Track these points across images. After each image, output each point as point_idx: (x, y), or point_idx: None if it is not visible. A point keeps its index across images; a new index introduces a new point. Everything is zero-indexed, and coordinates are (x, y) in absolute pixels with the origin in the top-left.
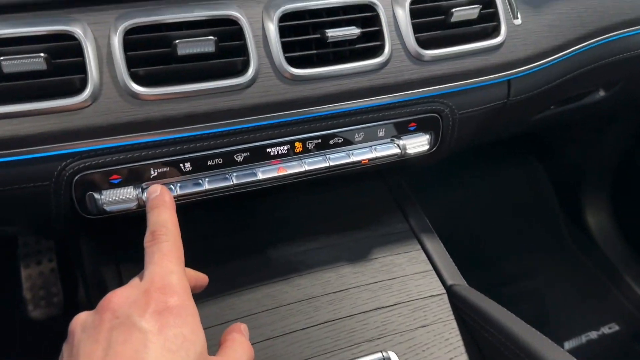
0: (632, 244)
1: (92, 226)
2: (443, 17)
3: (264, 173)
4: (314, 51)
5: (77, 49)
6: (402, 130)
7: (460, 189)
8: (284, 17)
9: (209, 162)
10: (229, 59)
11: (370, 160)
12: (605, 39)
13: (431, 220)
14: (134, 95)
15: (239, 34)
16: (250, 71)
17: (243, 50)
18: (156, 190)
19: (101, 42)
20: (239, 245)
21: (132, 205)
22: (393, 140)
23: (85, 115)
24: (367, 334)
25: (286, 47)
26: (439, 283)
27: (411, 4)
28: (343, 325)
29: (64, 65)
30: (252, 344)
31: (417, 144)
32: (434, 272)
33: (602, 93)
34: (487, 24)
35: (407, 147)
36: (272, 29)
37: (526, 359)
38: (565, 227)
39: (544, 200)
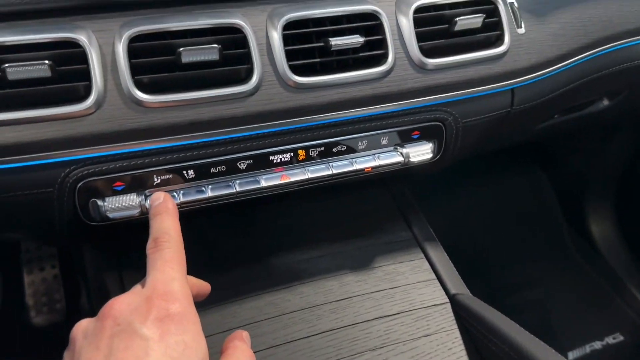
0: (636, 254)
1: (95, 233)
2: (447, 25)
3: (267, 181)
4: (318, 59)
5: (81, 57)
6: (405, 138)
7: (464, 197)
8: (288, 26)
9: (212, 170)
10: (233, 67)
11: (373, 168)
12: (609, 49)
13: (434, 228)
14: (138, 103)
15: (243, 42)
16: (254, 79)
17: (247, 58)
18: (159, 197)
19: (106, 49)
20: (241, 253)
21: (135, 212)
22: (396, 148)
23: (89, 123)
24: (370, 343)
25: (290, 55)
26: (442, 292)
27: (415, 12)
28: (345, 334)
29: (69, 73)
30: (254, 352)
31: (421, 152)
32: (437, 281)
33: (605, 102)
34: (490, 32)
35: (411, 155)
36: (276, 37)
37: None
38: (568, 236)
39: (547, 209)
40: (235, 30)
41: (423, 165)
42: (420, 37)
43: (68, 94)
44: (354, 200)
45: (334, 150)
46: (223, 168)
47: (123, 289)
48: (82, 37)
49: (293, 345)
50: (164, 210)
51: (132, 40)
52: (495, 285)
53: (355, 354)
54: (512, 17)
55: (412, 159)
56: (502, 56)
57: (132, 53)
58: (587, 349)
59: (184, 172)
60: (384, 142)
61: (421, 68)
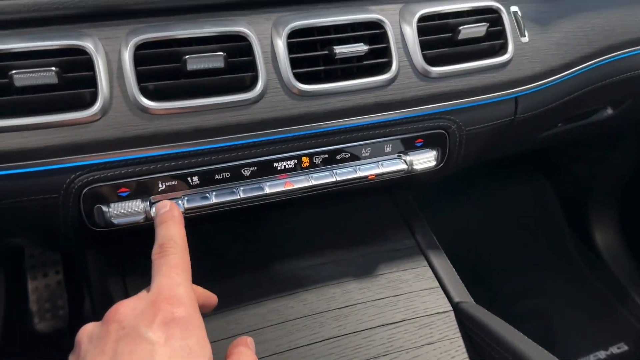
0: None
1: (99, 239)
2: (450, 34)
3: (271, 187)
4: (322, 67)
5: (88, 64)
6: (409, 146)
7: (468, 205)
8: (293, 34)
9: (217, 176)
10: (238, 75)
11: (377, 175)
12: (612, 58)
13: (438, 236)
14: (144, 110)
15: (248, 50)
16: (259, 86)
17: (252, 66)
18: (165, 205)
19: (112, 56)
20: (244, 260)
21: (140, 218)
22: (400, 156)
23: (95, 129)
24: (373, 351)
25: (294, 63)
26: (446, 300)
27: (419, 21)
28: (348, 341)
29: (75, 79)
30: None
31: (424, 160)
32: (440, 288)
33: (609, 111)
34: (494, 41)
35: (414, 163)
36: (281, 45)
37: None
38: (572, 244)
39: (551, 217)
40: (241, 38)
41: (426, 173)
42: (424, 46)
43: (74, 101)
44: (358, 208)
45: (338, 157)
46: (227, 175)
47: (127, 295)
48: (88, 45)
49: (296, 353)
50: (170, 218)
51: (138, 47)
52: (499, 293)
53: None
54: (516, 26)
55: (415, 167)
56: (505, 65)
57: (138, 60)
58: (592, 358)
59: (189, 178)
60: (388, 149)
61: (425, 76)
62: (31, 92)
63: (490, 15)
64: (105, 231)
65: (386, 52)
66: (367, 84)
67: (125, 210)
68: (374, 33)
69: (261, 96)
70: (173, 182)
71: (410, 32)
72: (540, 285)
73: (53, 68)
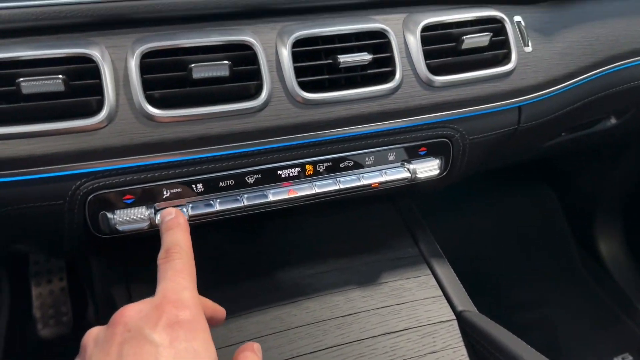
0: None
1: (104, 245)
2: (454, 44)
3: (275, 195)
4: (326, 76)
5: (94, 72)
6: (412, 154)
7: (471, 214)
8: (297, 43)
9: (221, 184)
10: (243, 83)
11: (380, 183)
12: (616, 67)
13: (441, 245)
14: (149, 117)
15: (253, 58)
16: (263, 95)
17: (257, 75)
18: (171, 212)
19: (118, 64)
20: (248, 267)
21: (144, 225)
22: (403, 164)
23: (100, 136)
24: None
25: (299, 72)
26: (449, 309)
27: (422, 31)
28: (351, 349)
29: (82, 87)
30: None
31: (427, 168)
32: (443, 297)
33: (613, 120)
34: (497, 51)
35: (417, 171)
36: (285, 54)
37: None
38: (577, 254)
39: (555, 227)
40: (246, 47)
41: (430, 182)
42: (427, 55)
43: (81, 108)
44: (361, 216)
45: (342, 165)
46: (231, 182)
47: (131, 301)
48: (95, 53)
49: None
50: (176, 225)
51: (145, 56)
52: (503, 302)
53: None
54: (519, 35)
55: (419, 175)
56: (509, 74)
57: (144, 68)
58: None
59: (193, 185)
60: (391, 158)
61: (428, 85)
62: (38, 100)
63: (493, 25)
64: (110, 238)
65: (390, 61)
66: (371, 92)
67: (129, 217)
68: (377, 42)
69: (266, 104)
70: (178, 190)
71: (414, 42)
72: (544, 295)
73: (60, 76)
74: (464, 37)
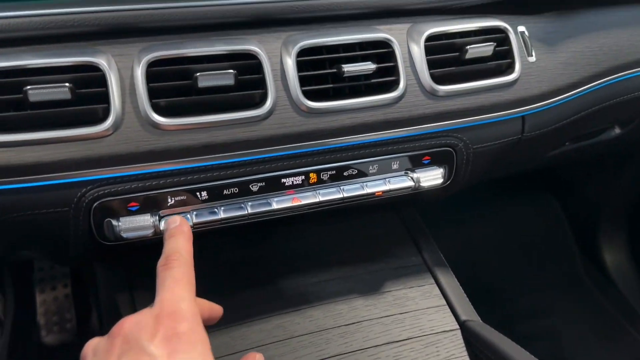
0: None
1: (108, 252)
2: (457, 53)
3: (279, 203)
4: (330, 85)
5: (101, 80)
6: (416, 163)
7: (475, 223)
8: (302, 52)
9: (225, 192)
10: (248, 92)
11: (384, 192)
12: (620, 77)
13: (445, 254)
14: (155, 125)
15: (257, 67)
16: (268, 103)
17: (261, 84)
18: (175, 220)
19: (124, 73)
20: (251, 275)
21: (149, 232)
22: (407, 173)
23: (106, 144)
24: None
25: (303, 81)
26: (453, 318)
27: (426, 40)
28: (354, 359)
29: (88, 95)
30: None
31: (431, 177)
32: (447, 307)
33: (617, 130)
34: (501, 61)
35: (421, 180)
36: (290, 63)
37: None
38: (581, 264)
39: (559, 236)
40: (251, 56)
41: (433, 190)
42: (431, 65)
43: (87, 116)
44: (365, 224)
45: (345, 174)
46: (236, 190)
47: (134, 309)
48: (102, 61)
49: None
50: (179, 232)
51: (151, 64)
52: (507, 312)
53: None
54: (523, 45)
55: (422, 184)
56: (512, 84)
57: (150, 77)
58: None
59: (198, 193)
60: (395, 166)
61: (432, 94)
62: (45, 107)
63: (497, 35)
64: (114, 245)
65: (394, 70)
66: (375, 101)
67: (134, 225)
68: (381, 52)
69: (270, 113)
70: (182, 197)
71: (418, 51)
72: (548, 304)
73: (67, 84)
74: (468, 46)
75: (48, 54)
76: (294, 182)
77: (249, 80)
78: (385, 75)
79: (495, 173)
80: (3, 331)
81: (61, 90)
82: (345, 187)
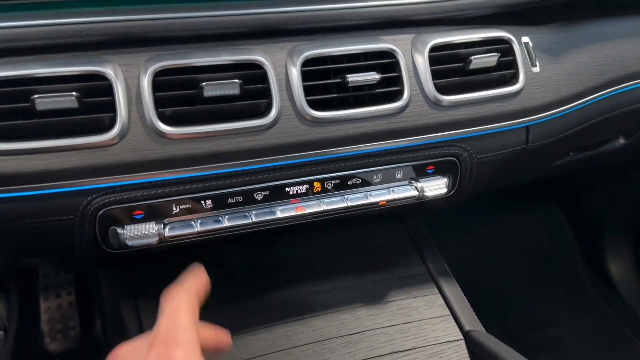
0: None
1: (113, 260)
2: (462, 64)
3: (283, 212)
4: (335, 95)
5: (107, 89)
6: (420, 172)
7: (480, 233)
8: (307, 62)
9: (229, 200)
10: (253, 101)
11: (388, 201)
12: (624, 88)
13: (449, 263)
14: (161, 134)
15: (263, 77)
16: (273, 113)
17: (266, 93)
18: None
19: (131, 82)
20: (255, 283)
21: (154, 240)
22: (411, 182)
23: (112, 152)
24: None
25: (308, 91)
26: (457, 328)
27: (430, 51)
28: None
29: (95, 104)
30: None
31: (435, 186)
32: (451, 317)
33: (621, 141)
34: (505, 71)
35: (425, 189)
36: (295, 73)
37: None
38: (586, 275)
39: (564, 246)
40: (256, 66)
41: (437, 200)
42: (435, 75)
43: (93, 125)
44: (369, 233)
45: (349, 183)
46: (240, 199)
47: (138, 317)
48: (108, 71)
49: None
50: (193, 273)
51: (157, 74)
52: (511, 323)
53: None
54: (527, 56)
55: (426, 194)
56: (516, 94)
57: (156, 86)
58: None
59: (202, 202)
60: (399, 176)
61: (436, 104)
62: (52, 116)
63: (501, 46)
64: (119, 253)
65: (398, 80)
66: (379, 111)
67: (139, 233)
68: (386, 62)
69: (275, 122)
70: (187, 205)
71: (422, 62)
72: (553, 315)
73: (74, 93)
74: (472, 57)
75: (55, 63)
76: (298, 191)
77: (254, 89)
78: (390, 85)
79: (500, 183)
80: (7, 338)
81: (68, 99)
82: (349, 197)
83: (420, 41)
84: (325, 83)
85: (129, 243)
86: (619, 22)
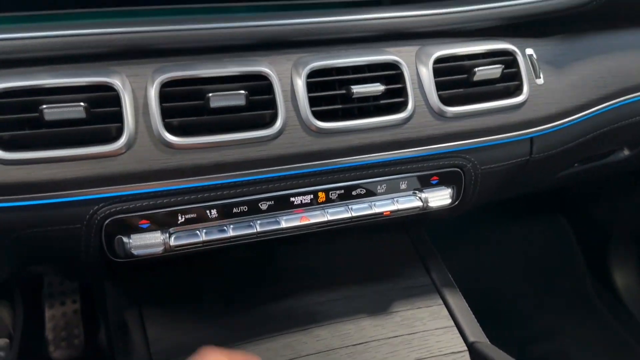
0: None
1: (119, 269)
2: (466, 75)
3: (287, 222)
4: (340, 106)
5: (115, 100)
6: (424, 183)
7: (484, 244)
8: (312, 74)
9: (235, 210)
10: (258, 112)
11: (392, 212)
12: (627, 100)
13: (453, 274)
14: (167, 144)
15: (268, 88)
16: (278, 123)
17: (272, 104)
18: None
19: (138, 93)
20: (259, 293)
21: (159, 249)
22: (415, 193)
23: (119, 162)
24: None
25: (313, 102)
26: (461, 340)
27: (435, 62)
28: None
29: (102, 115)
30: None
31: (439, 197)
32: (455, 328)
33: (626, 152)
34: (509, 83)
35: (429, 200)
36: (300, 84)
37: None
38: (591, 286)
39: (569, 257)
40: (262, 77)
41: (442, 211)
42: (439, 86)
43: (101, 135)
44: (373, 244)
45: (354, 193)
46: (245, 208)
47: (142, 326)
48: (116, 82)
49: None
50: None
51: (164, 85)
52: (515, 334)
53: None
54: (531, 68)
55: (430, 204)
56: (520, 106)
57: (163, 97)
58: None
59: (208, 211)
60: (403, 186)
61: (440, 116)
62: (60, 126)
63: (505, 58)
64: (125, 262)
65: (402, 92)
66: (384, 122)
67: (145, 242)
68: (390, 74)
69: (280, 133)
70: (192, 215)
71: (426, 73)
72: (558, 326)
73: (81, 103)
74: (476, 69)
75: (64, 74)
76: (303, 201)
77: (260, 100)
78: (394, 97)
79: (504, 194)
80: (12, 345)
81: (76, 110)
82: (354, 207)
83: (425, 53)
84: (330, 94)
85: (135, 252)
86: (623, 34)
